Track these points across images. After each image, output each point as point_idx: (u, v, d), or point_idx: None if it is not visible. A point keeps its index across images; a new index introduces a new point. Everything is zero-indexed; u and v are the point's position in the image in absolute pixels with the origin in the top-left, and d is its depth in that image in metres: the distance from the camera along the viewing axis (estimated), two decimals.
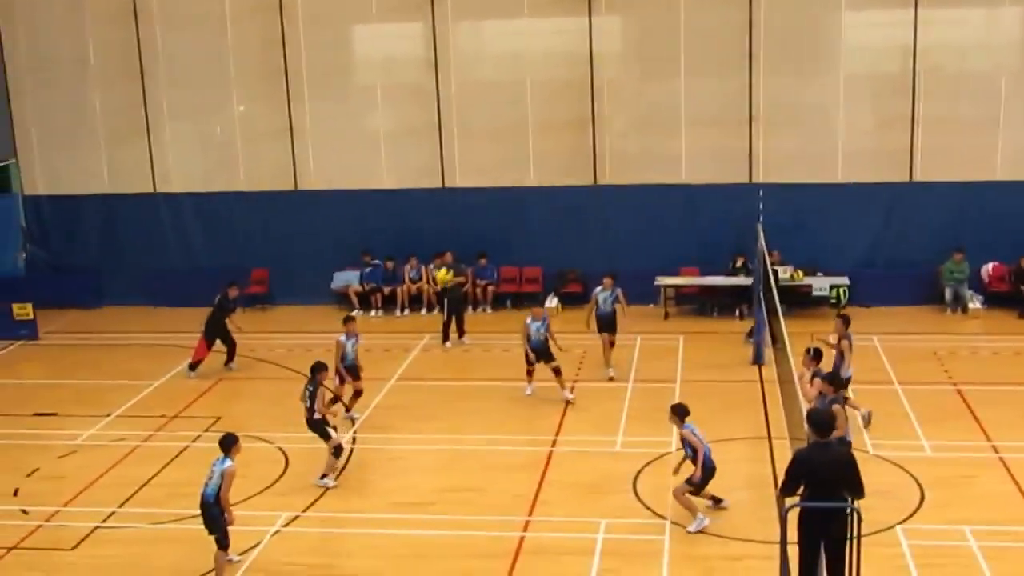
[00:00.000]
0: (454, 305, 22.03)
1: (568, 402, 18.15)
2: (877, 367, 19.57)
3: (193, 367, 20.47)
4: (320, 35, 24.75)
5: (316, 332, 22.92)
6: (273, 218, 25.49)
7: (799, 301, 22.56)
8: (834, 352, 16.34)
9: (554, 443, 16.66)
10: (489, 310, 24.42)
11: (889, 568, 12.37)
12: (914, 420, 16.99)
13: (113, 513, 14.64)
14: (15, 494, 15.37)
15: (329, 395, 15.33)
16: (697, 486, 13.60)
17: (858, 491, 10.07)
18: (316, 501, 14.80)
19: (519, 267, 24.81)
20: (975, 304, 22.99)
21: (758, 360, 19.90)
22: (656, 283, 23.75)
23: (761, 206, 21.18)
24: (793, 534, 10.04)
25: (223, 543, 12.54)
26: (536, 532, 13.73)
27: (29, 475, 16.04)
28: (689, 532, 13.40)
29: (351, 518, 14.30)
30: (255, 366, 21.07)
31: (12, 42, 25.87)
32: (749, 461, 15.66)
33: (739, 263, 23.39)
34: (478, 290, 24.41)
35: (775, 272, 22.02)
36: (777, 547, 10.06)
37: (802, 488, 10.11)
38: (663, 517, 13.84)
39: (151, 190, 25.85)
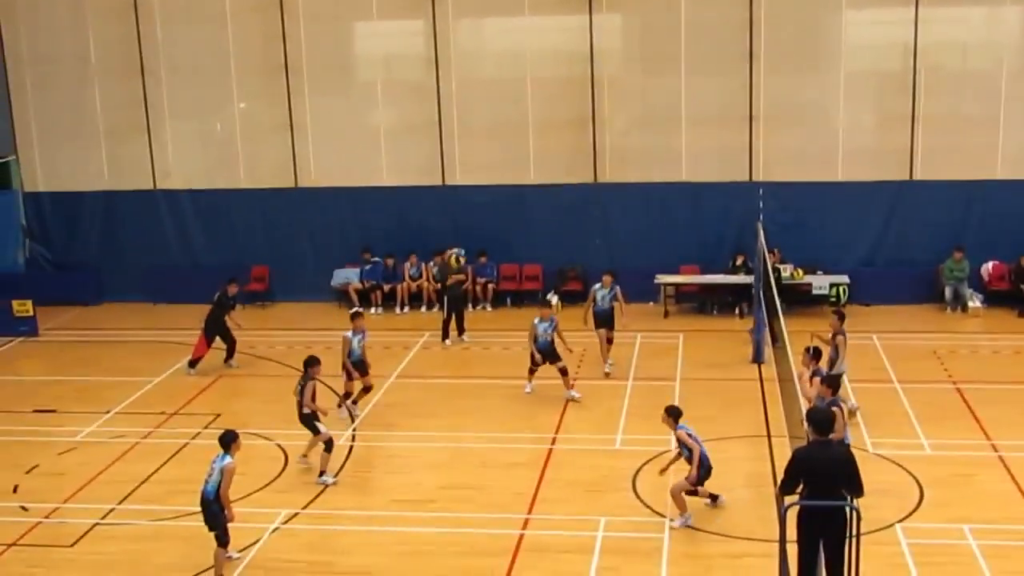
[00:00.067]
0: (454, 303, 22.04)
1: (574, 400, 18.13)
2: (877, 366, 19.58)
3: (193, 364, 20.48)
4: (321, 32, 24.75)
5: (316, 329, 22.95)
6: (273, 215, 25.50)
7: (799, 300, 22.55)
8: (829, 347, 16.38)
9: (554, 441, 16.66)
10: (489, 308, 24.42)
11: (888, 566, 12.37)
12: (913, 419, 17.00)
13: (113, 510, 14.64)
14: (14, 491, 15.37)
15: (312, 391, 15.34)
16: (695, 486, 13.61)
17: (857, 490, 10.07)
18: (316, 498, 14.80)
19: (519, 264, 24.82)
20: (975, 303, 23.00)
21: (758, 358, 19.90)
22: (656, 281, 23.75)
23: (761, 204, 21.20)
24: (792, 532, 10.04)
25: (223, 540, 12.54)
26: (536, 530, 13.73)
27: (29, 472, 16.04)
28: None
29: (350, 515, 14.29)
30: (255, 363, 21.07)
31: (13, 38, 25.87)
32: (749, 459, 15.68)
33: (739, 261, 23.39)
34: (478, 288, 24.41)
35: (778, 271, 22.10)
36: (777, 545, 10.07)
37: (801, 486, 10.11)
38: (663, 515, 13.84)
39: (151, 187, 25.86)
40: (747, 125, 23.64)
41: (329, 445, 15.31)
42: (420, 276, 24.55)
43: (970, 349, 20.89)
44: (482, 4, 24.54)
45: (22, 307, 23.40)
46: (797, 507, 10.06)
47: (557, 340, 18.38)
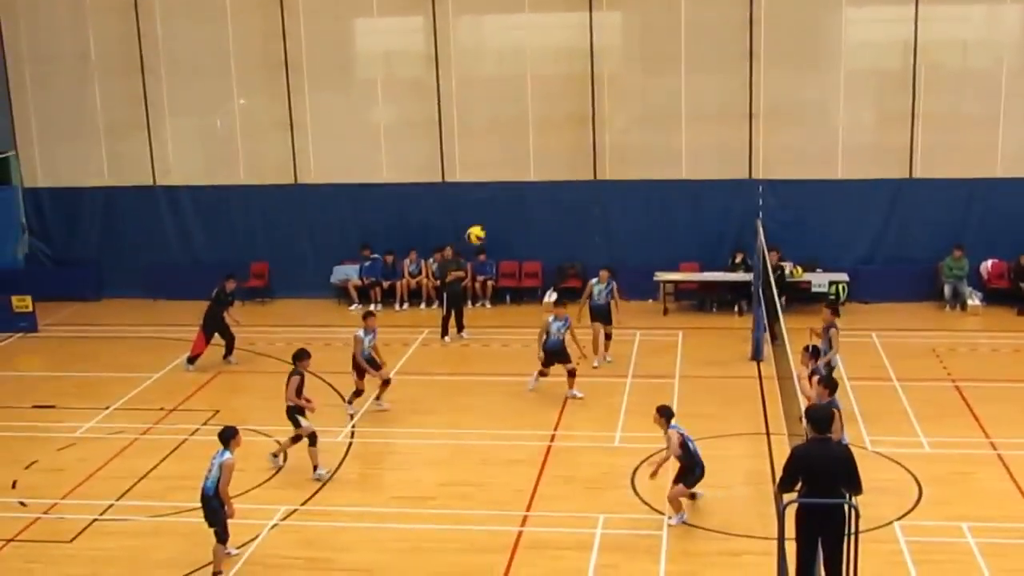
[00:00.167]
0: (453, 300, 22.04)
1: (575, 398, 18.12)
2: (876, 363, 19.59)
3: (191, 360, 20.48)
4: (321, 29, 24.74)
5: (315, 326, 22.96)
6: (273, 212, 25.49)
7: (798, 297, 22.56)
8: (821, 340, 16.45)
9: (553, 438, 16.67)
10: (488, 305, 24.43)
11: (887, 564, 12.37)
12: (912, 417, 17.00)
13: (111, 506, 14.65)
14: (13, 486, 15.37)
15: (296, 385, 15.36)
16: (689, 485, 13.59)
17: (856, 487, 10.08)
18: (315, 495, 14.80)
19: (519, 262, 24.81)
20: (974, 301, 23.01)
21: (757, 356, 19.91)
22: (655, 278, 23.75)
23: (761, 202, 21.21)
24: (791, 530, 10.05)
25: (222, 536, 12.55)
26: (535, 527, 13.74)
27: (28, 467, 16.04)
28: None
29: (350, 512, 14.29)
30: (254, 360, 21.07)
31: (13, 35, 25.84)
32: (748, 457, 15.69)
33: (739, 259, 23.40)
34: (477, 285, 24.42)
35: (781, 269, 22.12)
36: (775, 543, 10.07)
37: (800, 484, 10.12)
38: (661, 512, 13.83)
39: (151, 183, 25.85)
40: (747, 123, 23.63)
41: (313, 439, 15.31)
42: (419, 273, 24.55)
43: (969, 347, 20.90)
44: (482, 1, 24.52)
45: (21, 303, 23.40)
46: (796, 505, 10.07)
47: (569, 340, 18.39)
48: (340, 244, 25.11)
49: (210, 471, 12.46)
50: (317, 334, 21.86)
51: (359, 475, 15.73)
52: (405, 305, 24.55)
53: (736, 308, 23.35)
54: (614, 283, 19.83)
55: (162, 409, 18.39)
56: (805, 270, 23.15)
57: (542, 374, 18.49)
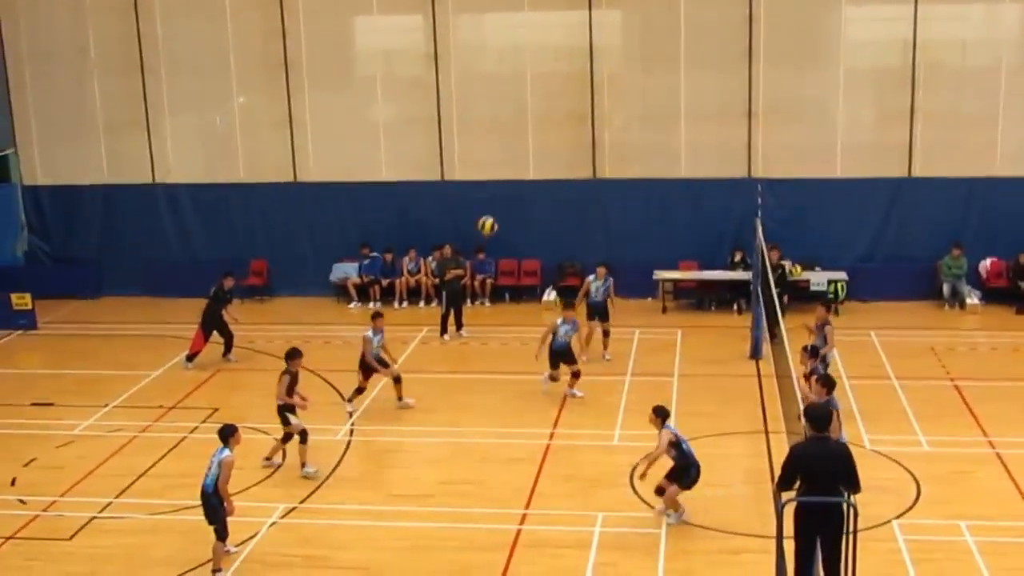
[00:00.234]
0: (452, 298, 22.05)
1: (575, 397, 18.12)
2: (875, 362, 19.59)
3: (190, 358, 20.47)
4: (320, 27, 24.74)
5: (314, 324, 22.96)
6: (272, 210, 25.49)
7: (797, 296, 22.55)
8: (816, 337, 16.51)
9: (552, 436, 16.67)
10: (487, 303, 24.44)
11: (885, 563, 12.38)
12: (911, 415, 17.01)
13: (110, 503, 14.65)
14: (12, 484, 15.37)
15: (287, 383, 15.36)
16: (685, 486, 13.56)
17: (855, 486, 10.09)
18: (314, 493, 14.81)
19: (518, 260, 24.82)
20: (973, 300, 23.02)
21: (756, 355, 19.91)
22: (655, 277, 23.76)
23: (760, 201, 21.21)
24: (790, 528, 10.05)
25: (221, 534, 12.55)
26: (533, 525, 13.75)
27: (27, 465, 16.04)
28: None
29: (349, 510, 14.30)
30: (253, 357, 21.07)
31: (12, 32, 25.84)
32: (746, 455, 15.70)
33: (738, 258, 23.41)
34: (476, 283, 24.43)
35: (780, 268, 22.11)
36: (774, 541, 10.08)
37: (799, 483, 10.13)
38: (653, 507, 13.85)
39: (150, 181, 25.85)
40: (746, 121, 23.64)
41: (303, 437, 15.31)
42: (418, 271, 24.55)
43: (968, 346, 20.91)
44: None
45: (21, 300, 23.40)
46: (795, 503, 10.07)
47: (575, 342, 18.36)
48: (339, 242, 25.11)
49: (209, 469, 12.47)
50: (316, 332, 21.87)
51: (358, 473, 15.74)
52: (404, 303, 24.55)
53: (735, 307, 23.36)
54: (611, 281, 19.85)
55: (161, 407, 18.39)
56: (804, 269, 23.16)
57: (552, 378, 18.39)
